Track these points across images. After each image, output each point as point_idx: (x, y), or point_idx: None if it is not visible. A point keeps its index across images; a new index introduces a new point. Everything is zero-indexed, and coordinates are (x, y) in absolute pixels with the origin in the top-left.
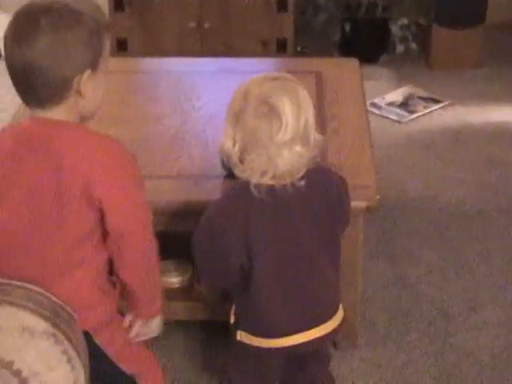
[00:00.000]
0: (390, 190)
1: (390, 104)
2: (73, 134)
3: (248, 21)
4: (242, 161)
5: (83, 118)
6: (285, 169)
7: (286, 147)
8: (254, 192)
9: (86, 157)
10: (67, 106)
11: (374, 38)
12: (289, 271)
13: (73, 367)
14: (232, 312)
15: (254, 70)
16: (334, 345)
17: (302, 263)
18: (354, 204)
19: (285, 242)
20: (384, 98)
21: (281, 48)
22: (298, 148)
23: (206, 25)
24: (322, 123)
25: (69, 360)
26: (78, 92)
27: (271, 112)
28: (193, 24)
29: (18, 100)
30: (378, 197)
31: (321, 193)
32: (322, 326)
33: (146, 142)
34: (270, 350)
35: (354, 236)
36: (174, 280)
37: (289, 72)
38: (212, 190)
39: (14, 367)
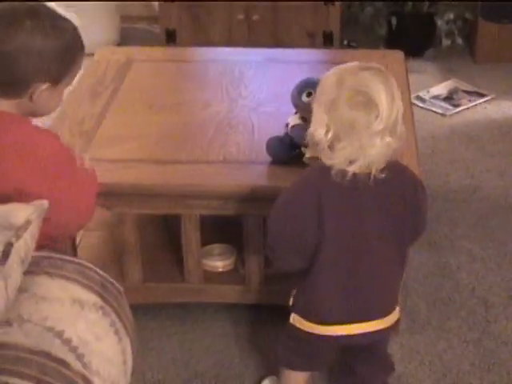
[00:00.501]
0: (433, 181)
1: (435, 97)
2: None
3: (295, 13)
4: (331, 147)
5: (31, 115)
6: (373, 158)
7: (378, 136)
8: (335, 177)
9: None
10: (17, 104)
11: (420, 33)
12: (352, 260)
13: (120, 339)
14: (292, 294)
15: (300, 60)
16: None
17: (366, 254)
18: None
19: (354, 230)
20: (429, 92)
21: (327, 41)
22: (388, 138)
23: (254, 17)
24: None
25: (116, 332)
26: (31, 97)
27: (368, 101)
28: (241, 16)
29: None
30: None
31: (397, 190)
32: (375, 322)
33: (194, 128)
34: (319, 336)
35: None
36: (219, 264)
37: (335, 64)
38: (257, 176)
39: (65, 336)
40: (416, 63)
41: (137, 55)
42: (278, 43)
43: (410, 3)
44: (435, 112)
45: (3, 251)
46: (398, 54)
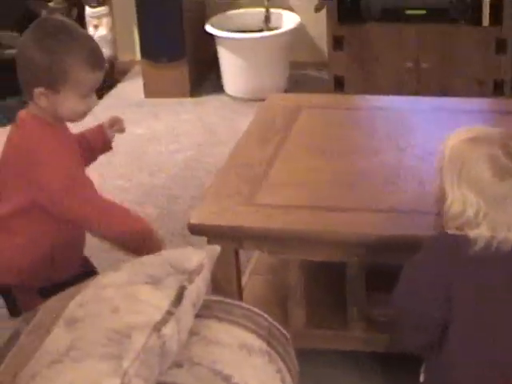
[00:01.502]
0: None
1: None
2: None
3: (465, 61)
4: (476, 217)
5: (58, 118)
6: None
7: None
8: (471, 247)
9: None
10: (37, 107)
11: None
12: (490, 332)
13: None
14: (422, 369)
15: (469, 109)
16: None
17: (506, 326)
18: None
19: (492, 298)
20: None
21: (497, 89)
22: None
23: (423, 65)
24: None
25: (282, 379)
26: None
27: None
28: (410, 64)
29: None
30: None
31: None
32: None
33: (362, 176)
34: None
35: None
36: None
37: (505, 114)
38: (424, 226)
39: (233, 381)
40: None
41: (306, 102)
42: (446, 91)
43: None
44: None
45: (176, 295)
46: None
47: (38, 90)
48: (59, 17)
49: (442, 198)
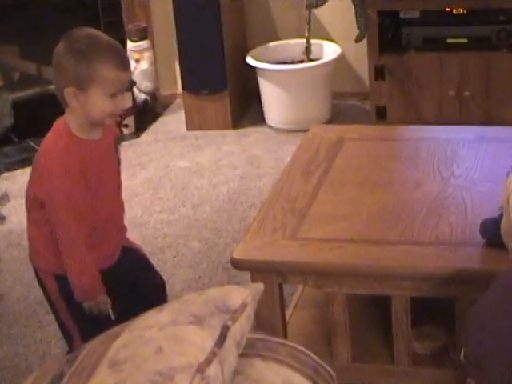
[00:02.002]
0: None
1: None
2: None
3: (509, 89)
4: None
5: (89, 123)
6: None
7: None
8: None
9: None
10: (71, 110)
11: None
12: None
13: None
14: None
15: None
16: None
17: None
18: None
19: None
20: None
21: None
22: None
23: (466, 93)
24: None
25: None
26: (67, 103)
27: None
28: (452, 92)
29: None
30: None
31: None
32: None
33: (405, 208)
34: None
35: None
36: (428, 346)
37: None
38: (470, 258)
39: None
40: None
41: (348, 133)
42: (490, 120)
43: None
44: None
45: (220, 334)
46: None
47: (67, 90)
48: (86, 28)
49: None
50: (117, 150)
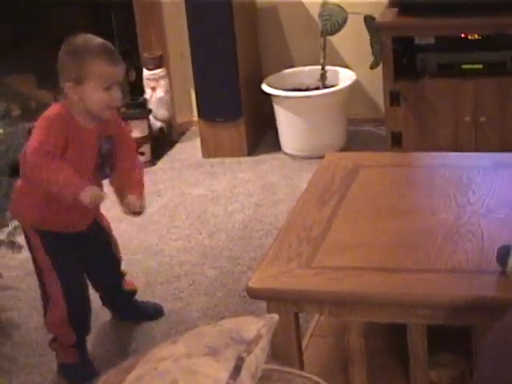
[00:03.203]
0: None
1: None
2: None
3: None
4: None
5: (87, 111)
6: None
7: None
8: None
9: None
10: (72, 103)
11: None
12: None
13: None
14: None
15: None
16: None
17: None
18: None
19: None
20: None
21: None
22: None
23: (481, 119)
24: None
25: None
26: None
27: None
28: (467, 118)
29: None
30: None
31: None
32: None
33: (421, 235)
34: None
35: None
36: (445, 374)
37: None
38: (487, 286)
39: None
40: None
41: (363, 160)
42: (506, 146)
43: None
44: None
45: (235, 366)
46: None
47: (67, 85)
48: (84, 34)
49: None
50: (105, 141)
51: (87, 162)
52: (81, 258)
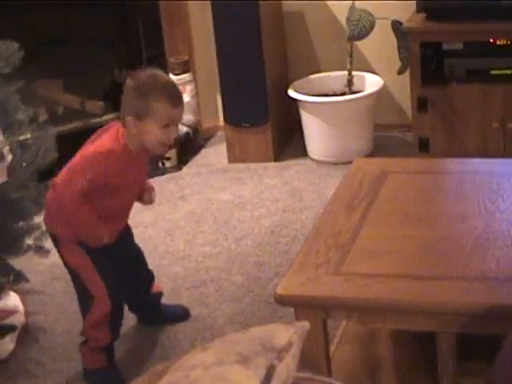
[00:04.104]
0: None
1: None
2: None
3: None
4: None
5: (142, 144)
6: None
7: None
8: None
9: None
10: (130, 134)
11: None
12: None
13: None
14: None
15: None
16: None
17: None
18: None
19: None
20: None
21: None
22: None
23: (510, 125)
24: None
25: None
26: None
27: None
28: (496, 124)
29: None
30: None
31: None
32: None
33: (450, 242)
34: None
35: None
36: (475, 383)
37: None
38: None
39: None
40: None
41: (391, 166)
42: None
43: None
44: None
45: (266, 374)
46: None
47: (129, 118)
48: (151, 68)
49: None
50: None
51: (136, 184)
52: (112, 261)
